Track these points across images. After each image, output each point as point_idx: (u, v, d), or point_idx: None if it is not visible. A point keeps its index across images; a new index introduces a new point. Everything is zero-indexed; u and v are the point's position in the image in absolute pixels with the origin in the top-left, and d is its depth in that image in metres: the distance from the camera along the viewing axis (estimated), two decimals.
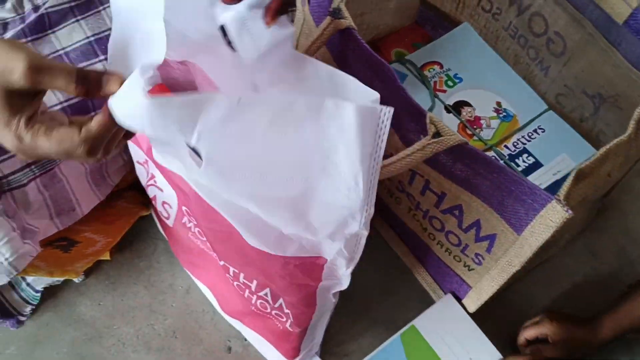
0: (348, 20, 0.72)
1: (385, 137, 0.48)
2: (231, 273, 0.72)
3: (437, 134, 0.67)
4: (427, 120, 0.67)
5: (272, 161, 0.51)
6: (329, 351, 0.88)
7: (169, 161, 0.63)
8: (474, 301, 0.85)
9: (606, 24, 0.80)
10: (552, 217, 0.64)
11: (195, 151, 0.53)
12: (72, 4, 0.68)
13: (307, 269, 0.63)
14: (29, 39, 0.68)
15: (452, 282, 0.88)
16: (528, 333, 0.84)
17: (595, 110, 0.91)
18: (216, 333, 0.87)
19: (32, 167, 0.65)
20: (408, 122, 0.72)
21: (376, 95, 0.51)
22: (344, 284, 0.67)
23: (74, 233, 0.74)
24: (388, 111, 0.46)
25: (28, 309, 0.85)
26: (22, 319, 0.85)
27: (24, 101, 0.42)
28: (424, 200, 0.80)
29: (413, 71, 0.97)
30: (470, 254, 0.80)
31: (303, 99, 0.46)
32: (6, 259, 0.64)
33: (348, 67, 0.76)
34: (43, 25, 0.69)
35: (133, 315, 0.88)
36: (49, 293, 0.87)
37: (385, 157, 0.80)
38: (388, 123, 0.47)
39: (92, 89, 0.44)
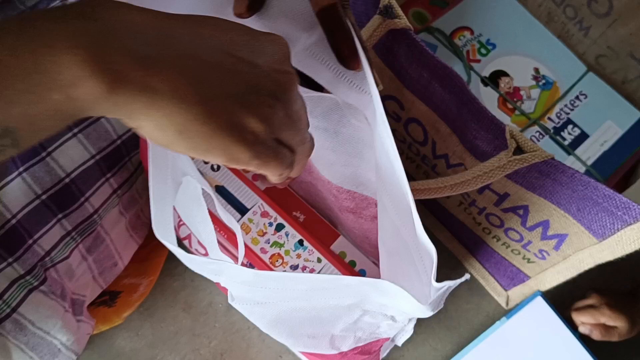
0: (403, 21, 0.63)
1: None
2: None
3: (519, 150, 0.61)
4: (507, 135, 0.60)
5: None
6: None
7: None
8: (532, 290, 0.82)
9: None
10: None
11: None
12: None
13: (366, 351, 0.59)
14: None
15: (506, 271, 0.84)
16: (584, 317, 0.82)
17: None
18: (266, 350, 0.82)
19: (73, 234, 0.56)
20: (475, 129, 0.65)
21: None
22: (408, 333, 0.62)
23: (112, 285, 0.67)
24: None
25: None
26: None
27: None
28: (482, 199, 0.74)
29: (443, 41, 0.89)
30: (533, 249, 0.75)
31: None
32: (63, 344, 0.57)
33: (399, 66, 0.68)
34: None
35: (176, 342, 0.82)
36: None
37: (441, 157, 0.75)
38: None
39: None
